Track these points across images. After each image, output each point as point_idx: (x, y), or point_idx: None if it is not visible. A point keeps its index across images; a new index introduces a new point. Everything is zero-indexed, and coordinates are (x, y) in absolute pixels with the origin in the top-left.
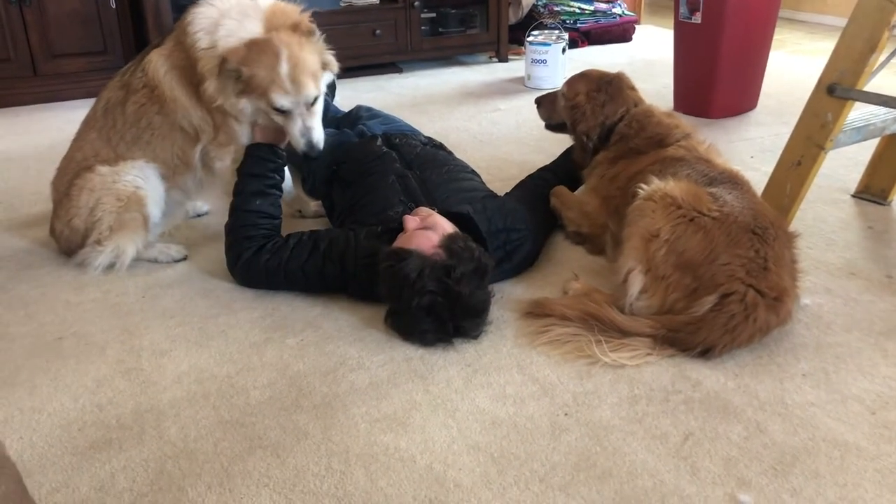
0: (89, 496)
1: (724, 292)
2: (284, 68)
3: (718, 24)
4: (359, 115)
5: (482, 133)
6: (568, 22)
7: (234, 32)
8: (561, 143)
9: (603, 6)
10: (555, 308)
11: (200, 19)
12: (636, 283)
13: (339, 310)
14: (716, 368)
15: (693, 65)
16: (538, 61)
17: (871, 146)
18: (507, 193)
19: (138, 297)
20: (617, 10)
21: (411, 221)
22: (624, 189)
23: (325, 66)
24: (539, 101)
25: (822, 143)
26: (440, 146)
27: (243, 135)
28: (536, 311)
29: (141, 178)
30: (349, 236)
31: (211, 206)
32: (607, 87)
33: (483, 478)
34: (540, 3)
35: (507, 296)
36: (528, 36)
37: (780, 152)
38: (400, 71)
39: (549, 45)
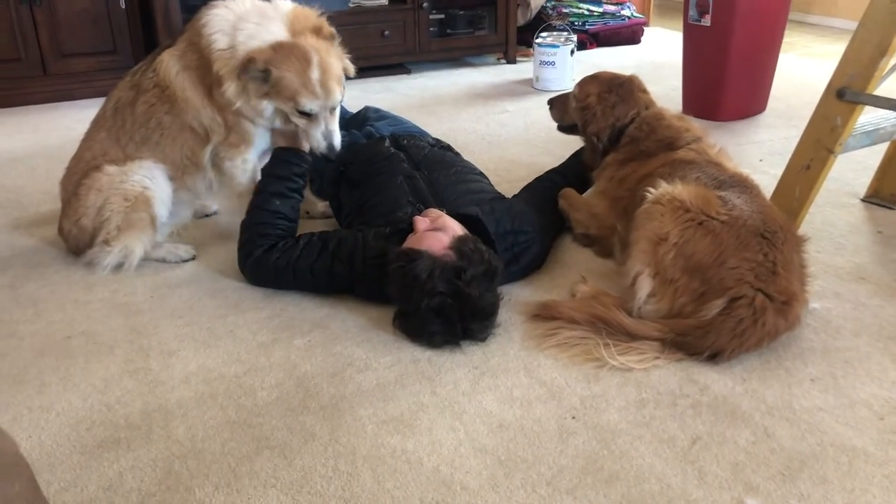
0: (98, 495)
1: (732, 296)
2: (315, 73)
3: (728, 26)
4: (367, 116)
5: (490, 134)
6: (576, 24)
7: (257, 35)
8: (569, 145)
9: (612, 8)
10: (562, 311)
11: (216, 21)
12: (644, 286)
13: (347, 311)
14: (724, 373)
15: (702, 67)
16: (546, 63)
17: (880, 150)
18: (514, 195)
19: (147, 296)
20: (626, 12)
21: (421, 222)
22: (633, 191)
23: (344, 71)
24: (552, 102)
25: (831, 147)
26: (448, 147)
27: (256, 136)
28: (544, 314)
29: (148, 179)
30: (357, 237)
31: (219, 206)
32: (618, 88)
33: (490, 480)
34: (549, 4)
35: (515, 298)
36: (537, 37)
37: (789, 156)
38: (408, 72)
39: (558, 46)
